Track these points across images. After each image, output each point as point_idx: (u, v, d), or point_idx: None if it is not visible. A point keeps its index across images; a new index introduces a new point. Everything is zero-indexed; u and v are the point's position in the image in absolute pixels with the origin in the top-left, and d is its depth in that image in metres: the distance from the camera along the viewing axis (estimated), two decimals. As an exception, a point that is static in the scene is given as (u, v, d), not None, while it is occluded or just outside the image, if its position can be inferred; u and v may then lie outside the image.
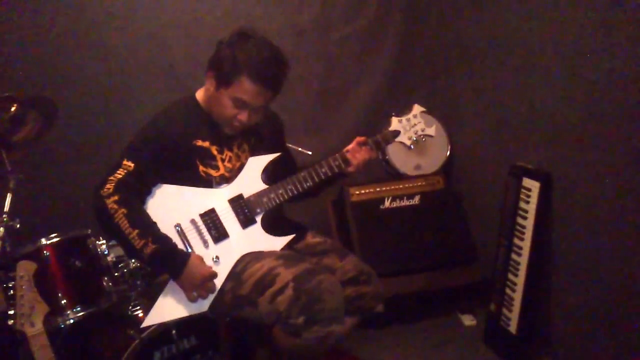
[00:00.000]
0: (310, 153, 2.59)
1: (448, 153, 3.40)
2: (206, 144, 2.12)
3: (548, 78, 2.53)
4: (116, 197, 1.95)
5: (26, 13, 3.14)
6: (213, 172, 2.12)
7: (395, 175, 3.35)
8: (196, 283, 1.99)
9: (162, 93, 3.29)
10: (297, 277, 1.92)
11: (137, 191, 2.02)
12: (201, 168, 2.10)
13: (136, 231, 1.94)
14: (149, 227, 1.97)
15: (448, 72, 3.49)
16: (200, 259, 2.02)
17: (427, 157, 3.38)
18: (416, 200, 3.23)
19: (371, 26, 3.57)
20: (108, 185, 1.97)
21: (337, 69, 3.57)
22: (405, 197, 3.22)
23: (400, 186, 3.23)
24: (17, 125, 2.46)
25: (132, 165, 2.00)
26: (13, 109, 2.40)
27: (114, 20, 3.27)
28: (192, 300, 2.01)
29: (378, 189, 3.21)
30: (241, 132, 2.17)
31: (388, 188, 3.22)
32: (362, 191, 3.20)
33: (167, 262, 1.98)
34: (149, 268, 2.07)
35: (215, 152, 2.13)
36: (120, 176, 1.99)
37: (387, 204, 3.21)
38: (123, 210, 1.94)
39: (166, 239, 1.99)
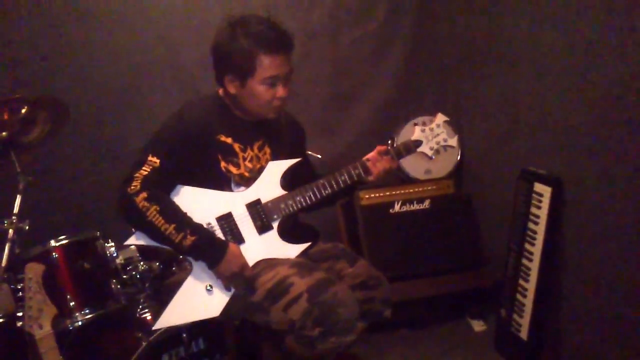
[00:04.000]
0: (319, 157, 2.57)
1: (458, 157, 3.38)
2: (229, 140, 2.10)
3: (560, 82, 2.51)
4: (145, 195, 1.92)
5: (36, 15, 3.15)
6: (234, 170, 2.11)
7: (405, 179, 3.33)
8: (234, 271, 1.99)
9: (172, 95, 3.30)
10: (311, 287, 1.90)
11: (164, 186, 2.00)
12: (223, 164, 2.09)
13: (173, 225, 1.92)
14: (184, 219, 1.97)
15: (458, 76, 3.47)
16: (239, 248, 2.03)
17: (438, 162, 3.36)
18: (426, 204, 3.21)
19: (381, 29, 3.56)
20: (134, 183, 1.94)
21: (347, 72, 3.56)
22: (415, 201, 3.20)
23: (410, 190, 3.22)
24: (28, 127, 2.47)
25: (158, 161, 1.97)
26: (24, 110, 2.41)
27: (123, 21, 3.27)
28: (228, 287, 2.02)
29: (388, 193, 3.20)
30: (264, 133, 2.17)
31: (398, 192, 3.20)
32: (372, 195, 3.18)
33: (207, 252, 1.98)
34: (188, 257, 2.05)
35: (237, 150, 2.11)
36: (146, 173, 1.95)
37: (397, 208, 3.19)
38: (155, 207, 1.92)
39: (203, 228, 1.99)
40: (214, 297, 2.03)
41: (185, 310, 2.01)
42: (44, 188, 2.82)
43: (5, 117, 2.37)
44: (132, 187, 1.93)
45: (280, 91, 2.06)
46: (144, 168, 1.96)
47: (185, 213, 1.99)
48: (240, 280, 2.01)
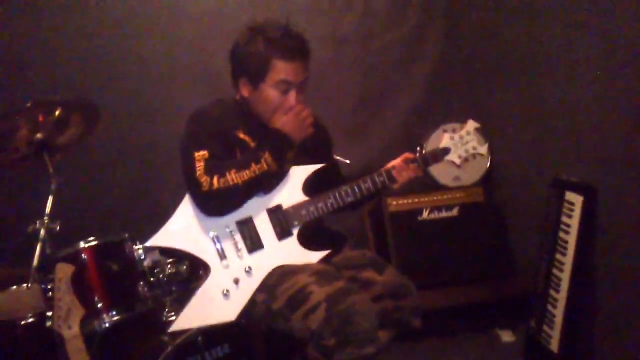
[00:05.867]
0: (348, 162, 2.55)
1: (488, 164, 3.34)
2: (248, 138, 2.11)
3: (592, 89, 2.46)
4: (216, 178, 1.93)
5: (72, 20, 3.22)
6: None
7: (434, 186, 3.30)
8: (293, 120, 2.04)
9: (202, 101, 3.29)
10: (329, 296, 1.87)
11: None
12: None
13: (252, 166, 1.96)
14: (250, 156, 2.00)
15: (489, 82, 3.43)
16: (279, 117, 2.06)
17: (467, 169, 3.32)
18: (455, 211, 3.18)
19: (411, 35, 3.56)
20: (202, 180, 1.93)
21: (377, 78, 3.57)
22: (443, 209, 3.17)
23: (439, 197, 3.19)
24: (61, 129, 2.50)
25: (205, 152, 1.97)
26: (57, 112, 2.44)
27: (156, 28, 3.33)
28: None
29: (416, 200, 3.17)
30: None
31: (426, 199, 3.18)
32: (400, 201, 3.16)
33: (281, 145, 2.03)
34: (280, 174, 2.08)
35: None
36: (203, 165, 1.96)
37: (425, 215, 3.16)
38: (232, 171, 1.95)
39: (261, 142, 2.05)
40: (231, 301, 2.01)
41: (202, 314, 2.01)
42: (75, 190, 2.87)
43: (40, 118, 2.41)
44: (204, 184, 1.93)
45: (291, 98, 2.07)
46: (198, 166, 1.96)
47: (245, 153, 2.05)
48: (305, 123, 2.08)
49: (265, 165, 1.98)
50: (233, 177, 1.94)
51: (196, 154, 1.97)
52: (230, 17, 3.39)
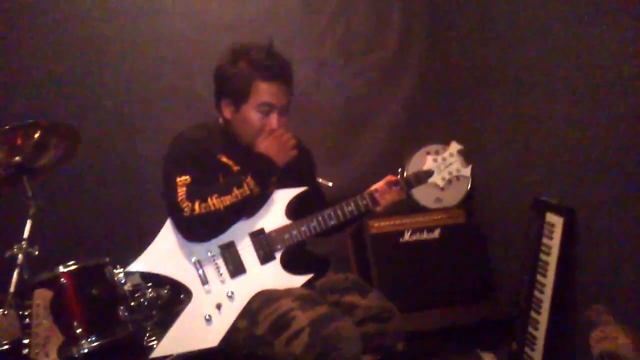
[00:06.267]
0: (330, 184, 2.56)
1: (469, 187, 3.36)
2: (230, 162, 2.10)
3: (573, 111, 2.50)
4: (197, 203, 1.92)
5: (49, 41, 3.21)
6: None
7: (415, 208, 3.31)
8: (275, 145, 2.04)
9: (184, 122, 3.24)
10: (313, 322, 1.85)
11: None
12: None
13: (233, 190, 1.95)
14: (231, 180, 1.99)
15: (469, 104, 3.47)
16: (261, 141, 2.06)
17: (448, 191, 3.33)
18: (436, 233, 3.18)
19: (392, 57, 3.60)
20: (183, 205, 1.91)
21: (358, 100, 3.59)
22: (425, 231, 3.18)
23: (421, 219, 3.20)
24: (40, 152, 2.48)
25: (187, 177, 1.96)
26: (37, 135, 2.43)
27: (137, 48, 3.33)
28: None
29: (398, 222, 3.18)
30: None
31: (408, 221, 3.19)
32: (382, 223, 3.17)
33: (263, 169, 2.02)
34: (263, 198, 2.06)
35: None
36: (185, 191, 1.94)
37: (406, 237, 3.17)
38: (213, 196, 1.93)
39: (244, 167, 2.04)
40: (213, 327, 1.99)
41: (184, 339, 1.98)
42: (54, 213, 2.83)
43: (19, 142, 2.40)
44: (185, 210, 1.91)
45: (273, 121, 2.07)
46: (180, 191, 1.94)
47: (227, 177, 2.03)
48: (286, 148, 2.07)
49: (247, 190, 1.97)
50: (215, 202, 1.93)
51: (178, 179, 1.96)
52: (212, 39, 3.39)
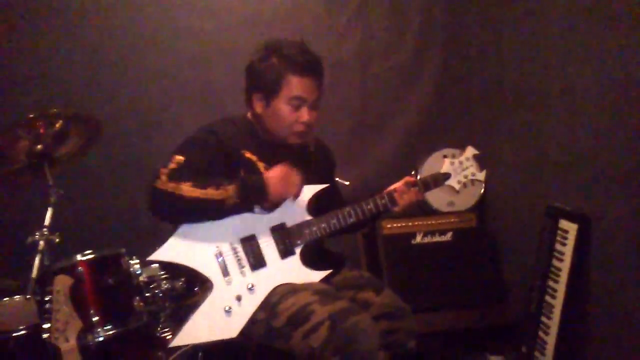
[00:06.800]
0: (347, 183, 2.58)
1: (482, 190, 3.38)
2: (254, 157, 2.12)
3: (590, 120, 2.51)
4: (173, 183, 1.90)
5: (70, 33, 3.25)
6: None
7: (428, 211, 3.33)
8: (282, 181, 1.99)
9: (200, 117, 3.28)
10: (332, 315, 1.87)
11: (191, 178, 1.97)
12: None
13: (210, 188, 1.92)
14: (218, 179, 1.95)
15: (485, 109, 3.48)
16: (274, 169, 2.01)
17: (461, 194, 3.33)
18: (448, 236, 3.20)
19: (410, 61, 3.61)
20: (162, 177, 1.92)
21: (374, 102, 3.61)
22: (437, 233, 3.20)
23: (433, 222, 3.21)
24: (61, 141, 2.51)
25: (183, 158, 1.97)
26: (58, 125, 2.45)
27: (155, 43, 3.36)
28: (297, 195, 2.05)
29: (410, 224, 3.19)
30: (291, 157, 2.17)
31: (420, 223, 3.20)
32: (394, 225, 3.18)
33: (252, 189, 1.97)
34: (240, 210, 2.01)
35: (262, 169, 2.12)
36: (172, 167, 1.95)
37: (418, 239, 3.18)
38: (188, 183, 1.90)
39: (238, 176, 2.00)
40: (232, 319, 2.01)
41: (203, 330, 1.99)
42: (74, 202, 2.86)
43: (41, 130, 2.42)
44: (158, 181, 1.91)
45: (304, 115, 2.09)
46: (170, 165, 1.95)
47: (220, 178, 1.97)
48: (293, 188, 2.04)
49: (222, 195, 1.93)
50: (186, 188, 1.90)
51: (175, 157, 1.98)
52: (231, 35, 3.42)
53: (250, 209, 2.04)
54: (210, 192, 1.92)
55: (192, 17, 3.44)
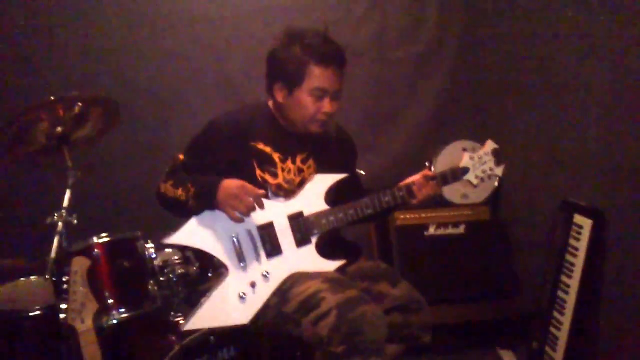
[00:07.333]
0: (363, 173, 2.57)
1: (496, 183, 3.36)
2: (267, 149, 2.13)
3: (605, 114, 2.50)
4: (162, 182, 2.08)
5: (88, 17, 3.27)
6: (270, 179, 2.12)
7: (441, 202, 3.32)
8: (234, 192, 1.95)
9: (214, 103, 3.36)
10: (341, 304, 1.88)
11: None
12: (258, 172, 2.11)
13: (180, 189, 2.01)
14: (187, 179, 2.03)
15: (500, 102, 3.47)
16: (235, 180, 1.99)
17: (475, 187, 3.34)
18: (461, 229, 3.20)
19: (426, 51, 3.61)
20: (162, 175, 2.10)
21: (389, 92, 3.61)
22: (450, 225, 3.20)
23: (446, 214, 3.21)
24: (80, 123, 2.52)
25: (182, 157, 2.11)
26: (77, 108, 2.46)
27: (171, 28, 3.37)
28: (237, 220, 1.99)
29: (423, 215, 3.20)
30: (309, 146, 2.19)
31: (433, 215, 3.20)
32: (407, 216, 3.18)
33: (204, 189, 1.99)
34: (199, 211, 2.05)
35: (276, 159, 2.13)
36: (171, 167, 2.11)
37: (431, 230, 3.19)
38: (170, 182, 2.05)
39: (202, 177, 2.04)
40: (246, 305, 2.03)
41: (216, 315, 2.02)
42: (92, 184, 2.86)
43: (61, 113, 2.43)
44: (161, 181, 2.08)
45: (326, 105, 2.09)
46: (172, 164, 2.11)
47: (195, 176, 2.05)
48: (242, 206, 1.97)
49: (186, 197, 2.00)
50: (167, 188, 2.06)
51: (178, 155, 2.11)
52: (247, 22, 3.42)
53: (210, 209, 2.03)
54: (179, 193, 2.02)
55: (210, 4, 3.44)
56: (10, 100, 3.17)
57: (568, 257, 2.60)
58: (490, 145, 2.23)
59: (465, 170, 2.22)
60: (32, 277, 2.59)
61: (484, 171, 2.23)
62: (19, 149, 2.51)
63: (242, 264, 2.02)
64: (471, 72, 3.64)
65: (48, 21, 3.26)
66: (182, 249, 2.47)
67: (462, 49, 3.62)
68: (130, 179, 3.24)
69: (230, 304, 2.01)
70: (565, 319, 2.56)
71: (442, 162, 3.11)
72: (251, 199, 1.97)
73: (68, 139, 2.47)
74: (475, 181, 2.24)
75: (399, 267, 3.12)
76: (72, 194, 2.34)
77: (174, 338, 2.37)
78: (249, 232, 2.05)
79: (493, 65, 3.52)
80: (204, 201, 2.00)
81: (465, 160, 2.22)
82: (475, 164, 2.22)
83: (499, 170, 2.25)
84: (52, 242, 2.22)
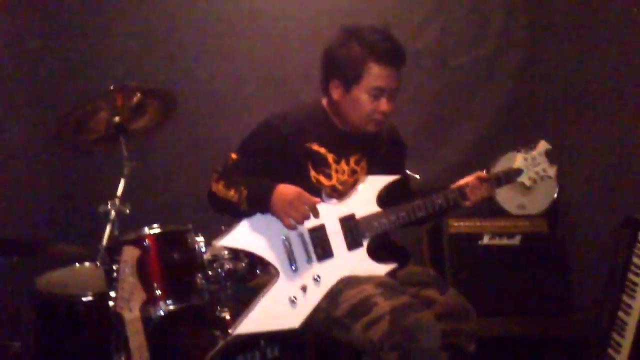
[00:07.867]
0: (418, 177, 2.52)
1: (555, 195, 3.25)
2: (322, 149, 2.10)
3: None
4: (214, 182, 2.04)
5: (151, 14, 3.35)
6: (325, 181, 2.09)
7: (497, 211, 3.22)
8: (290, 199, 1.91)
9: (271, 102, 3.35)
10: (394, 310, 1.84)
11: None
12: (313, 173, 2.08)
13: (232, 190, 1.98)
14: (240, 181, 2.00)
15: (563, 112, 3.36)
16: (289, 186, 1.95)
17: (533, 197, 3.22)
18: (517, 240, 3.09)
19: (489, 58, 3.52)
20: (213, 175, 2.05)
21: (449, 96, 3.55)
22: (505, 236, 3.09)
23: (502, 224, 3.11)
24: (138, 114, 2.56)
25: (236, 157, 2.07)
26: (136, 98, 2.50)
27: (234, 27, 3.40)
28: (290, 227, 1.94)
29: (478, 224, 3.11)
30: (362, 146, 2.15)
31: (488, 224, 3.11)
32: (461, 224, 3.11)
33: (258, 193, 1.96)
34: (251, 213, 2.02)
35: (331, 161, 2.10)
36: (224, 166, 2.07)
37: (485, 240, 3.10)
38: (222, 182, 2.01)
39: (256, 179, 2.01)
40: (297, 309, 1.99)
41: (267, 318, 1.99)
42: (146, 175, 2.91)
43: (119, 103, 2.47)
44: (212, 181, 2.05)
45: (383, 105, 2.04)
46: (223, 164, 2.07)
47: (249, 178, 2.01)
48: (298, 214, 1.92)
49: (235, 197, 1.97)
50: (220, 187, 2.01)
51: (231, 155, 2.08)
52: (308, 21, 3.42)
53: (263, 212, 2.00)
54: (231, 194, 1.99)
55: (274, 1, 3.45)
56: (72, 91, 3.24)
57: (631, 276, 2.47)
58: (543, 145, 2.18)
59: (519, 172, 2.18)
60: (86, 264, 2.64)
61: (537, 172, 2.19)
62: (79, 137, 2.57)
63: (293, 267, 1.99)
64: (534, 82, 3.54)
65: (109, 13, 3.33)
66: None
67: (525, 59, 3.52)
68: (184, 172, 3.27)
69: (281, 308, 1.98)
70: (626, 342, 2.44)
71: (501, 167, 3.02)
72: (306, 207, 1.94)
73: (126, 129, 2.51)
74: (528, 183, 2.20)
75: (449, 275, 3.05)
76: (126, 183, 2.37)
77: (218, 333, 2.36)
78: (300, 235, 2.01)
79: (557, 76, 3.41)
80: (257, 205, 1.98)
81: (519, 161, 2.18)
82: (528, 165, 2.18)
83: (551, 171, 2.20)
84: (105, 230, 2.24)
